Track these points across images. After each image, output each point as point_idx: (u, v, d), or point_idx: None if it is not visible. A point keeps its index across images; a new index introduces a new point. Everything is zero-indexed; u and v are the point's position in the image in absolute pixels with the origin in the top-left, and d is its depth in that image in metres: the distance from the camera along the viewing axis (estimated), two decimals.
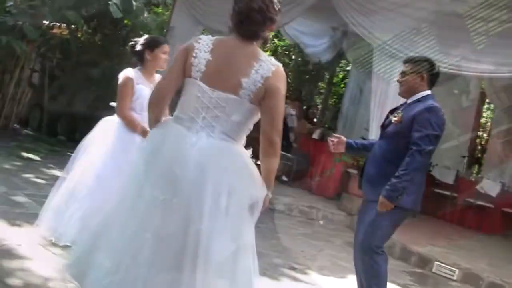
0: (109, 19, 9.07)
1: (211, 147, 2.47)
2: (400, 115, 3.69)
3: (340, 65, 14.98)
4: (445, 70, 7.58)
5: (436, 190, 10.06)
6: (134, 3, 8.40)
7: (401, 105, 3.89)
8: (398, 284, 5.59)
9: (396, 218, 3.72)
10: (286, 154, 9.93)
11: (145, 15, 10.31)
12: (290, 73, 14.62)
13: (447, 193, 9.97)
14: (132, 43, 4.09)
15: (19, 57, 8.62)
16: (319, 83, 14.74)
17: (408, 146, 3.58)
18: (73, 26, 8.73)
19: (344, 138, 3.98)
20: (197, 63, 2.53)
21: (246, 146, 2.61)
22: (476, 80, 11.45)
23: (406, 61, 3.90)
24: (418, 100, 3.74)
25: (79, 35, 9.17)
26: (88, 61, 8.93)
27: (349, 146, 3.97)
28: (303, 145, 10.15)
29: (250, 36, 2.55)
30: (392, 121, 3.72)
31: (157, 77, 3.99)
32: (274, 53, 15.12)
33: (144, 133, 3.61)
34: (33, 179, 6.15)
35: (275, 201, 8.12)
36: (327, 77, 14.26)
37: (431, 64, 3.83)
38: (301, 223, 7.56)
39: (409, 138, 3.60)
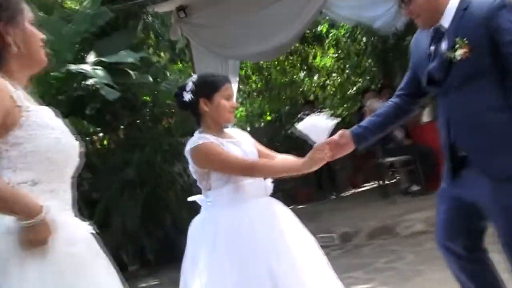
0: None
1: None
2: (462, 43, 2.93)
3: None
4: None
5: None
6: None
7: (432, 39, 3.14)
8: None
9: None
10: (402, 158, 9.39)
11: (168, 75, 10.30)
12: (370, 62, 14.14)
13: None
14: (178, 91, 3.53)
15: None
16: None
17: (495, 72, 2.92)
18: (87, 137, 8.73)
19: (347, 132, 3.39)
20: None
21: None
22: None
23: None
24: (464, 10, 2.99)
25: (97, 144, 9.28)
26: (119, 164, 8.85)
27: (360, 137, 3.40)
28: (419, 137, 9.48)
29: None
30: (459, 58, 2.95)
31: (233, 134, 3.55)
32: (337, 45, 14.71)
33: None
34: None
35: (406, 223, 7.59)
36: None
37: None
38: None
39: (490, 64, 2.92)
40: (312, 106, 12.24)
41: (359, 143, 3.43)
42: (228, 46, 9.28)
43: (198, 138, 3.36)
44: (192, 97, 3.40)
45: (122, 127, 9.79)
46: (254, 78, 14.57)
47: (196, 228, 3.42)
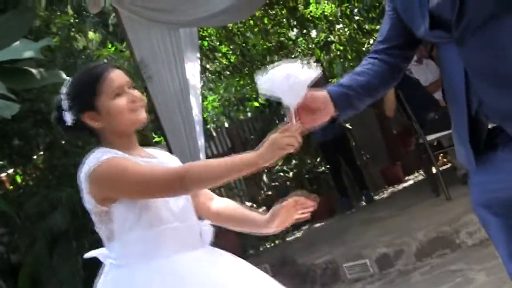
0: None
1: None
2: None
3: None
4: None
5: None
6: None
7: None
8: None
9: None
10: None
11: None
12: None
13: None
14: (55, 114, 3.39)
15: None
16: None
17: None
18: None
19: (322, 93, 3.12)
20: None
21: None
22: None
23: None
24: None
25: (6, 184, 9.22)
26: (43, 208, 8.87)
27: (344, 101, 3.14)
28: None
29: None
30: None
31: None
32: None
33: None
34: None
35: (470, 227, 7.58)
36: None
37: None
38: None
39: None
40: None
41: (342, 110, 3.21)
42: (173, 8, 9.23)
43: (100, 154, 3.23)
44: (73, 116, 3.30)
45: (39, 154, 9.83)
46: (224, 49, 14.64)
47: None
